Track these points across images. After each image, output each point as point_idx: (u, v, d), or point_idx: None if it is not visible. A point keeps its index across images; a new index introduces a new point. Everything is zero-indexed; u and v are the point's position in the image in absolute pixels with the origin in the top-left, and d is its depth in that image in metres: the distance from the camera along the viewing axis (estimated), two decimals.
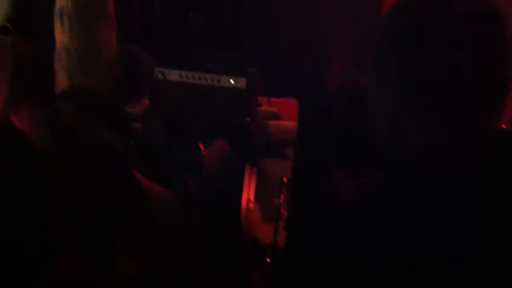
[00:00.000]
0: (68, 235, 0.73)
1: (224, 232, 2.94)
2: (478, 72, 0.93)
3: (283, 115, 3.93)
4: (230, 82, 3.28)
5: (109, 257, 1.57)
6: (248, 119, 3.27)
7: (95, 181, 1.95)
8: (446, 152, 0.87)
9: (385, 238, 0.84)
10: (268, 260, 3.33)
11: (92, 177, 1.98)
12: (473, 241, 0.82)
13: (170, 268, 2.57)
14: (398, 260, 0.83)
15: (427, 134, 0.92)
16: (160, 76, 3.27)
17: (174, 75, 3.29)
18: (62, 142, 2.19)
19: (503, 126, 1.03)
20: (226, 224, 3.01)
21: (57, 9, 2.84)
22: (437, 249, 0.83)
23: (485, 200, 0.83)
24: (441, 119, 0.93)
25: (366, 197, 0.90)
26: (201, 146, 2.72)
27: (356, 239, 0.85)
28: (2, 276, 0.65)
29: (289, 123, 3.82)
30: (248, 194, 3.24)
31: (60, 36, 2.88)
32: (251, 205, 3.28)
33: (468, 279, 0.81)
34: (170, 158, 3.14)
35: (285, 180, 3.11)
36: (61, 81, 2.84)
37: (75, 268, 0.71)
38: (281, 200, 3.15)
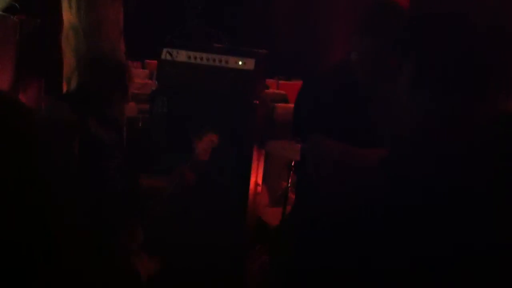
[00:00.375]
0: (69, 233, 0.71)
1: (227, 225, 2.93)
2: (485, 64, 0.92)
3: (291, 98, 3.91)
4: (238, 64, 3.25)
5: (109, 257, 1.57)
6: (256, 101, 3.24)
7: (93, 181, 1.96)
8: (446, 152, 0.87)
9: (386, 237, 0.83)
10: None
11: (89, 176, 1.99)
12: (473, 241, 0.81)
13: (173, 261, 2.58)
14: (398, 260, 0.83)
15: (430, 132, 0.92)
16: (168, 57, 3.24)
17: (181, 55, 3.26)
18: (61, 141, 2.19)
19: None
20: (229, 215, 3.00)
21: None
22: (437, 249, 0.82)
23: (485, 200, 0.82)
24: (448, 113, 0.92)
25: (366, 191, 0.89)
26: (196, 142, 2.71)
27: (356, 239, 0.85)
28: (2, 276, 0.63)
29: None
30: (256, 177, 3.22)
31: (67, 15, 2.84)
32: (258, 188, 3.27)
33: (468, 279, 0.81)
34: (171, 144, 3.12)
35: (293, 163, 3.09)
36: (69, 61, 2.81)
37: (75, 268, 0.69)
38: (289, 184, 3.13)
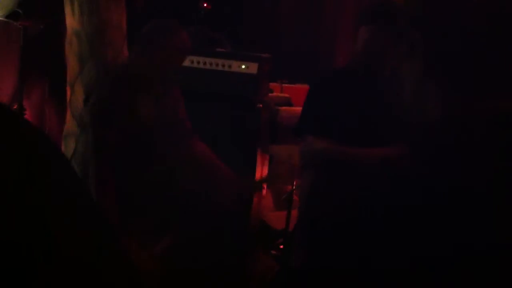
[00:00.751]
0: (69, 233, 0.71)
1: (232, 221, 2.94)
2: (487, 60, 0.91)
3: (295, 101, 3.90)
4: (241, 68, 3.25)
5: (109, 257, 1.58)
6: (260, 105, 3.24)
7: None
8: (446, 151, 0.86)
9: (386, 237, 0.83)
10: (281, 247, 3.33)
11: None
12: (473, 240, 0.81)
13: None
14: (399, 260, 0.82)
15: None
16: None
17: (185, 60, 3.26)
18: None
19: None
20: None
21: None
22: (437, 249, 0.82)
23: (485, 200, 0.82)
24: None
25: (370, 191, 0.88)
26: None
27: (356, 239, 0.85)
28: (2, 276, 0.63)
29: (301, 109, 3.79)
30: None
31: (70, 21, 2.85)
32: (263, 191, 3.26)
33: (468, 279, 0.80)
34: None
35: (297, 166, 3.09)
36: (73, 67, 2.82)
37: (75, 268, 0.69)
38: (293, 187, 3.13)
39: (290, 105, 3.83)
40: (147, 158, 2.46)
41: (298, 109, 3.69)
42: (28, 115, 3.11)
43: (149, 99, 2.50)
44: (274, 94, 3.89)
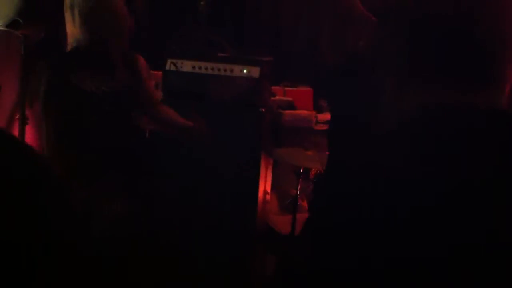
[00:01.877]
0: (69, 234, 0.71)
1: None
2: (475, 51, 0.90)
3: (298, 104, 3.90)
4: (243, 72, 3.24)
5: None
6: (263, 109, 3.23)
7: None
8: (444, 149, 0.85)
9: (385, 238, 0.82)
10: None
11: None
12: (473, 241, 0.80)
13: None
14: (399, 261, 0.81)
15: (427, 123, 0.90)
16: (173, 67, 3.24)
17: (186, 66, 3.26)
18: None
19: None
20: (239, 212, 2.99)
21: (67, 2, 2.82)
22: (437, 249, 0.81)
23: (485, 200, 0.81)
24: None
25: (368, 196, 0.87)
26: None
27: (356, 239, 0.84)
28: (2, 276, 0.62)
29: (304, 112, 3.79)
30: (265, 185, 3.21)
31: (71, 29, 2.85)
32: (267, 196, 3.25)
33: (469, 279, 0.79)
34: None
35: (301, 170, 3.08)
36: None
37: (75, 269, 0.68)
38: (298, 191, 3.12)
39: (293, 108, 3.83)
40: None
41: (301, 112, 3.68)
42: (30, 124, 3.11)
43: (94, 73, 2.56)
44: (277, 97, 3.89)
